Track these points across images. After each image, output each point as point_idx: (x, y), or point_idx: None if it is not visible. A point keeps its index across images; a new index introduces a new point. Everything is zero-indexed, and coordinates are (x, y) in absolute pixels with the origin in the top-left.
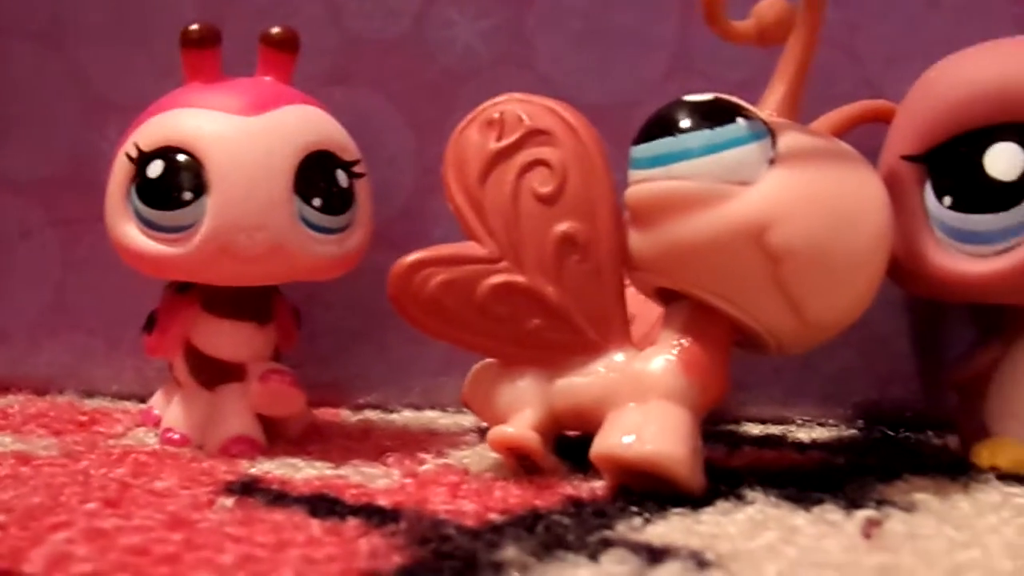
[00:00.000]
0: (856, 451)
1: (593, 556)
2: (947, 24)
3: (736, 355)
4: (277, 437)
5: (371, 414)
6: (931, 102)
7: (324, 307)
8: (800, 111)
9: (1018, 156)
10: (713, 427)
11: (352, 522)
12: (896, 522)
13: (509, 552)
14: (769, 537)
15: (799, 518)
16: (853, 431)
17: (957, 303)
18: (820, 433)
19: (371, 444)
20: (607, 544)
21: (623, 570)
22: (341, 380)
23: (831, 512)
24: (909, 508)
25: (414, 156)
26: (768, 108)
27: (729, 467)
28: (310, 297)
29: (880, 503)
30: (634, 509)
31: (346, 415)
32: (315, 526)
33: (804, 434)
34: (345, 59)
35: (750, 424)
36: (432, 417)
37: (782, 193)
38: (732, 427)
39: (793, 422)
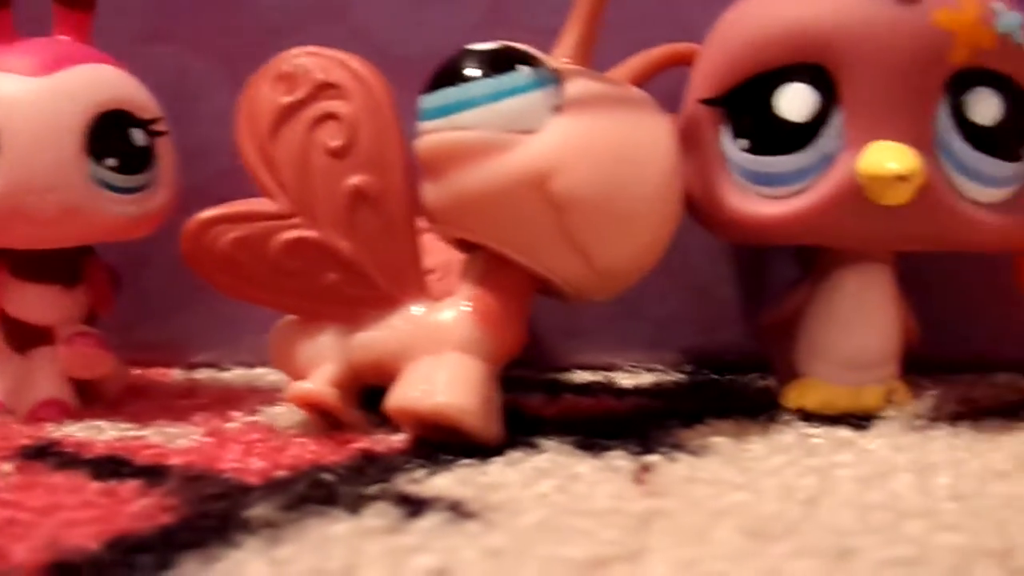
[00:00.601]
0: (676, 396)
1: (354, 510)
2: None
3: (562, 304)
4: (96, 399)
5: (203, 373)
6: (727, 44)
7: (154, 268)
8: (595, 56)
9: (810, 97)
10: (541, 374)
11: (132, 484)
12: (682, 466)
13: (266, 510)
14: (546, 486)
15: (585, 465)
16: (680, 376)
17: (776, 246)
18: (647, 379)
19: (188, 403)
20: (377, 498)
21: (379, 524)
22: (173, 340)
23: (618, 459)
24: (699, 452)
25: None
26: (562, 55)
27: (542, 415)
28: (139, 258)
29: (675, 447)
30: (420, 462)
31: (177, 375)
32: (93, 488)
33: (631, 380)
34: (163, 17)
35: (581, 371)
36: (261, 374)
37: (565, 141)
38: (561, 375)
39: (623, 368)
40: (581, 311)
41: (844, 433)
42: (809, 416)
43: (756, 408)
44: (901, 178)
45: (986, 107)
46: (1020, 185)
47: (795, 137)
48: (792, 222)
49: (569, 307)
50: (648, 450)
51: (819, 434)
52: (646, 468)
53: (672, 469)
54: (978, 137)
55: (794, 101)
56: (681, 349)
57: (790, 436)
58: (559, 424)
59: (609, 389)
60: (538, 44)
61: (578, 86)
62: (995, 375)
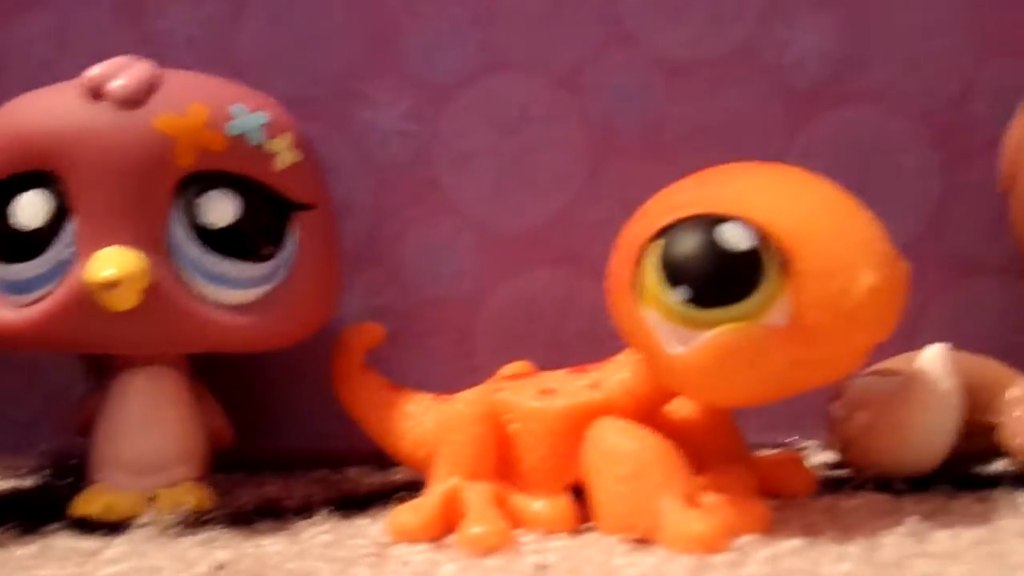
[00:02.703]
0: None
1: None
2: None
3: None
4: None
5: None
6: None
7: None
8: None
9: (41, 204)
10: None
11: None
12: None
13: None
14: None
15: None
16: (31, 480)
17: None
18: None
19: None
20: None
21: None
22: None
23: None
24: None
25: None
26: None
27: None
28: None
29: None
30: None
31: None
32: None
33: None
34: None
35: None
36: None
37: None
38: None
39: None
40: None
41: (88, 544)
42: (92, 524)
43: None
44: (117, 283)
45: (220, 209)
46: (275, 284)
47: (31, 245)
48: (32, 330)
49: None
50: None
51: (70, 546)
52: None
53: None
54: (213, 239)
55: (26, 209)
56: (42, 452)
57: (34, 547)
58: None
59: None
60: None
61: None
62: (348, 469)
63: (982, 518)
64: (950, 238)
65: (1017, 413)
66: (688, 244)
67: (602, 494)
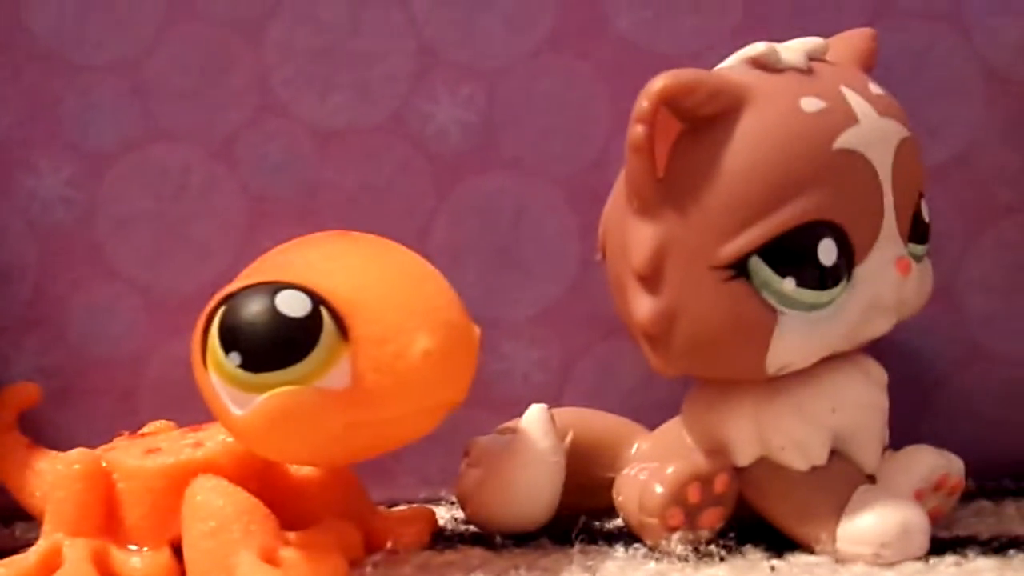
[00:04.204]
0: None
1: None
2: None
3: None
4: None
5: None
6: None
7: None
8: None
9: None
10: None
11: None
12: None
13: None
14: None
15: None
16: None
17: None
18: None
19: None
20: None
21: None
22: None
23: None
24: None
25: None
26: None
27: None
28: None
29: None
30: None
31: None
32: None
33: None
34: None
35: None
36: None
37: None
38: None
39: None
40: None
41: None
42: None
43: None
44: None
45: None
46: None
47: None
48: None
49: None
50: None
51: None
52: None
53: None
54: None
55: None
56: None
57: None
58: None
59: None
60: None
61: None
62: (16, 525)
63: (552, 572)
64: (590, 300)
65: (627, 470)
66: (241, 311)
67: (190, 549)
